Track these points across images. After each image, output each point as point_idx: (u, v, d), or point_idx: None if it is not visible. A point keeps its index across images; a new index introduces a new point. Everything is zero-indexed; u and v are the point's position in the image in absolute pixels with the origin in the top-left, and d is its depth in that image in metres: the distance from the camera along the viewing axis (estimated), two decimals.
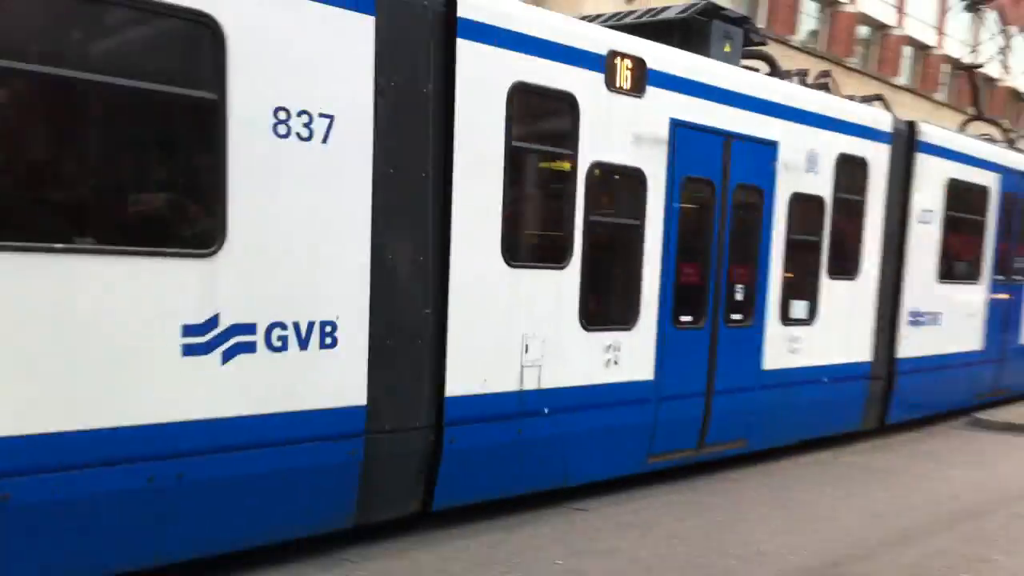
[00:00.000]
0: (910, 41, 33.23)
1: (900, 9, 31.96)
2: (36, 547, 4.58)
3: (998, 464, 10.02)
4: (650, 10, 8.57)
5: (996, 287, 12.83)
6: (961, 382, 12.30)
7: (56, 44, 4.52)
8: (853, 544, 6.75)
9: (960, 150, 11.76)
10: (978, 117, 15.93)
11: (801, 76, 10.14)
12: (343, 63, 5.50)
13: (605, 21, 8.45)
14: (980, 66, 15.53)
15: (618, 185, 7.32)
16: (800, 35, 28.03)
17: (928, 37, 33.79)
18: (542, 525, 6.71)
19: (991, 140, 13.91)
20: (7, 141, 4.46)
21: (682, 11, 8.36)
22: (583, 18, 8.24)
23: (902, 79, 32.51)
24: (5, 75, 4.32)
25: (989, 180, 12.38)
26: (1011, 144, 14.81)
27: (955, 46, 34.31)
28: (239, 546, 5.42)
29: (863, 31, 31.51)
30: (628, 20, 8.40)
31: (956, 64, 19.50)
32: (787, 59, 21.46)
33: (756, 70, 9.12)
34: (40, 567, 4.64)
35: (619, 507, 7.29)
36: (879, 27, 31.87)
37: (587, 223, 7.01)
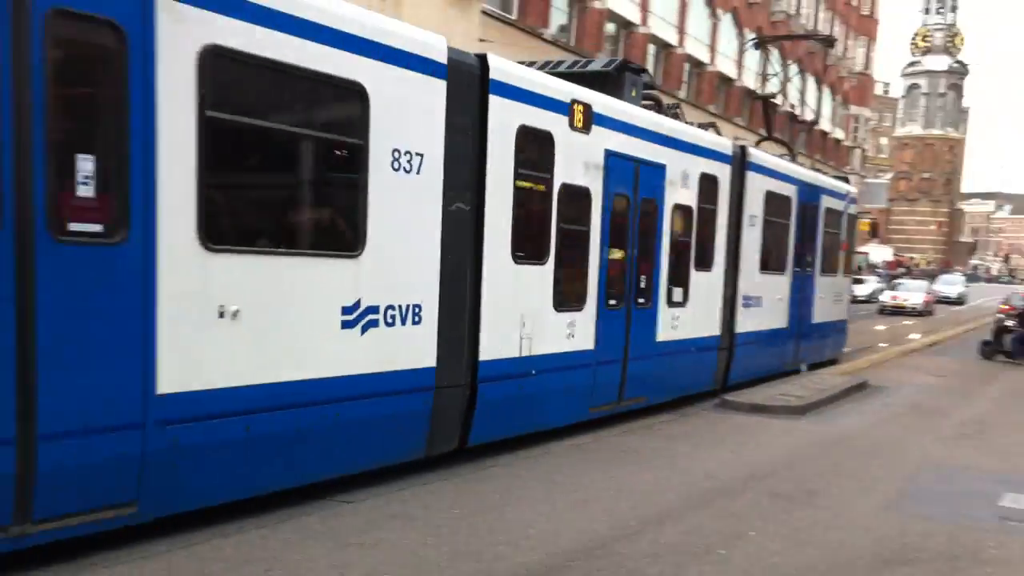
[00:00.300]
0: (654, 40, 35.10)
1: (644, 8, 33.69)
2: (263, 465, 6.49)
3: (746, 444, 10.55)
4: (576, 62, 11.11)
5: (795, 277, 16.35)
6: (776, 352, 15.73)
7: (277, 108, 6.45)
8: (617, 525, 7.03)
9: (773, 168, 15.13)
10: (768, 138, 19.66)
11: (669, 107, 12.96)
12: (428, 114, 7.68)
13: (541, 68, 10.85)
14: (773, 96, 19.14)
15: (576, 201, 9.78)
16: (552, 28, 28.96)
17: (670, 36, 35.92)
18: (307, 520, 6.70)
19: (782, 156, 17.49)
20: (257, 180, 6.36)
21: (604, 65, 11.01)
22: (519, 62, 10.56)
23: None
24: (255, 134, 6.24)
25: (791, 191, 15.85)
26: (793, 159, 18.52)
27: (695, 46, 37.49)
28: (364, 467, 7.49)
29: (610, 28, 32.72)
30: (561, 69, 10.88)
31: (752, 95, 22.63)
32: (539, 52, 23.62)
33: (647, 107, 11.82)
34: (259, 481, 6.56)
35: (386, 497, 7.36)
36: (625, 24, 33.38)
37: (558, 230, 9.45)
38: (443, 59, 7.78)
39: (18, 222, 4.96)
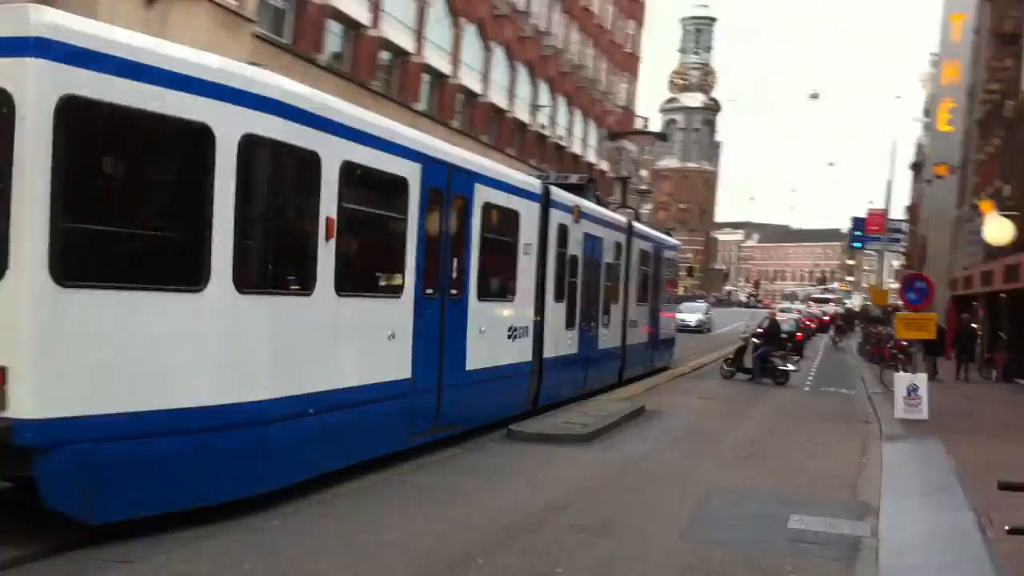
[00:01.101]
0: (427, 68, 36.41)
1: (419, 36, 35.08)
2: (492, 403, 13.46)
3: (539, 476, 10.96)
4: (560, 175, 18.60)
5: (652, 306, 24.54)
6: (647, 355, 24.23)
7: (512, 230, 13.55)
8: (420, 570, 7.06)
9: (644, 233, 23.40)
10: (623, 205, 27.81)
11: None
12: (532, 221, 15.10)
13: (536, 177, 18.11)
14: (628, 178, 27.29)
15: (574, 264, 17.33)
16: (326, 55, 29.61)
17: (444, 65, 37.55)
18: None
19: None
20: (491, 264, 13.46)
21: (579, 179, 18.60)
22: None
23: (422, 105, 36.00)
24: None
25: (651, 248, 24.21)
26: (637, 218, 26.67)
27: (469, 75, 39.27)
28: (509, 413, 14.46)
29: (385, 56, 33.77)
30: (551, 180, 18.20)
31: (613, 177, 28.43)
32: (313, 77, 24.75)
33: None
34: (491, 413, 13.47)
35: (169, 555, 7.09)
36: (400, 53, 34.49)
37: (568, 281, 16.85)
38: (539, 191, 15.14)
39: (442, 291, 11.82)
